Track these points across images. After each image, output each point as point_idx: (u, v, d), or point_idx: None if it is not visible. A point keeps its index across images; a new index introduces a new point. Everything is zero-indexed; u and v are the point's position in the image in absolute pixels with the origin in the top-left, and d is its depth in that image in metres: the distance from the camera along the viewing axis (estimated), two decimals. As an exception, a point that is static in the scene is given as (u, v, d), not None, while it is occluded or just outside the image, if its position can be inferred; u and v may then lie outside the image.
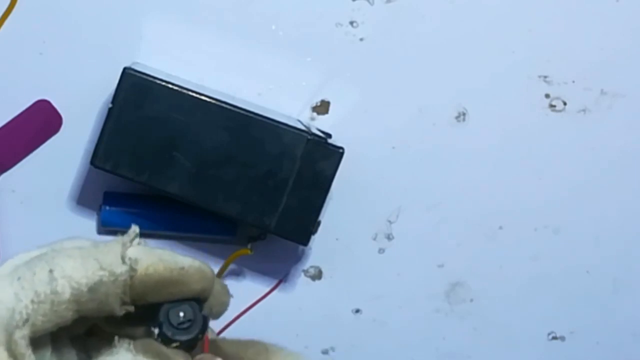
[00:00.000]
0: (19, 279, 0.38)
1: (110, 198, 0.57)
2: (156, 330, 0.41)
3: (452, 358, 0.63)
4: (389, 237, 0.61)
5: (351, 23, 0.58)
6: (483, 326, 0.62)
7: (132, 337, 0.41)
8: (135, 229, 0.42)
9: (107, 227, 0.57)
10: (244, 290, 0.60)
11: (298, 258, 0.60)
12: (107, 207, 0.57)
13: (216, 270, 0.59)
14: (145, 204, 0.57)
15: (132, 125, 0.53)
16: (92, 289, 0.39)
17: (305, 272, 0.61)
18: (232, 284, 0.60)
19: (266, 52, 0.58)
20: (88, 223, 0.58)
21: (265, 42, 0.58)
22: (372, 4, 0.58)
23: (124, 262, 0.40)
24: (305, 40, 0.58)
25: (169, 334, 0.41)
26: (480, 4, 0.59)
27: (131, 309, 0.41)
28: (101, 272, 0.39)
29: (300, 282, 0.61)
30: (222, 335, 0.60)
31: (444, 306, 0.62)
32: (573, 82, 0.60)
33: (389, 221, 0.60)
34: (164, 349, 0.40)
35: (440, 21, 0.59)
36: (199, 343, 0.42)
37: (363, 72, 0.59)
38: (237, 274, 0.60)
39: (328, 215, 0.59)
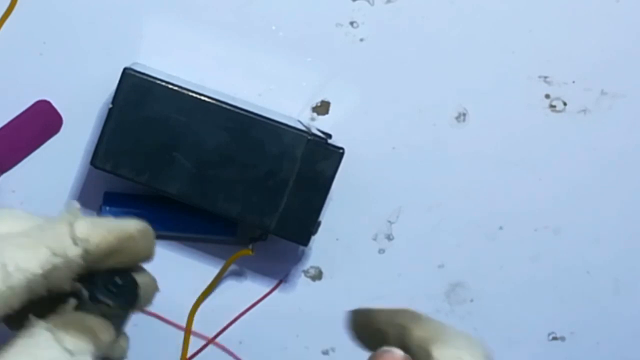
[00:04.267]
0: None
1: (111, 198, 0.57)
2: (86, 293, 0.40)
3: (452, 358, 0.63)
4: (389, 238, 0.61)
5: (351, 23, 0.58)
6: (483, 326, 0.62)
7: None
8: (76, 204, 0.41)
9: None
10: (244, 290, 0.60)
11: (298, 258, 0.60)
12: (107, 208, 0.57)
13: (217, 270, 0.59)
14: (145, 204, 0.57)
15: (132, 126, 0.53)
16: (46, 276, 0.38)
17: (306, 272, 0.61)
18: (232, 284, 0.60)
19: (266, 53, 0.58)
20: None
21: (265, 43, 0.58)
22: (372, 4, 0.58)
23: (75, 243, 0.39)
24: (305, 41, 0.58)
25: (100, 296, 0.40)
26: (481, 5, 0.59)
27: (78, 285, 0.40)
28: (55, 259, 0.38)
29: (301, 283, 0.61)
30: (222, 335, 0.60)
31: (444, 306, 0.62)
32: (573, 82, 0.60)
33: (389, 221, 0.60)
34: (87, 320, 0.39)
35: (440, 21, 0.59)
36: (126, 315, 0.41)
37: (363, 72, 0.59)
38: (237, 274, 0.60)
39: (328, 215, 0.59)
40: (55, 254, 0.38)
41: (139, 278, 0.42)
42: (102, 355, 0.39)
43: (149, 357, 0.59)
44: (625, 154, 0.61)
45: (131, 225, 0.41)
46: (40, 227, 0.40)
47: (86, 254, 0.39)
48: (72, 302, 0.40)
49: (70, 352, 0.37)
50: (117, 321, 0.41)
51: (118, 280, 0.41)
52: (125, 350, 0.42)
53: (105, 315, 0.40)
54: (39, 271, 0.38)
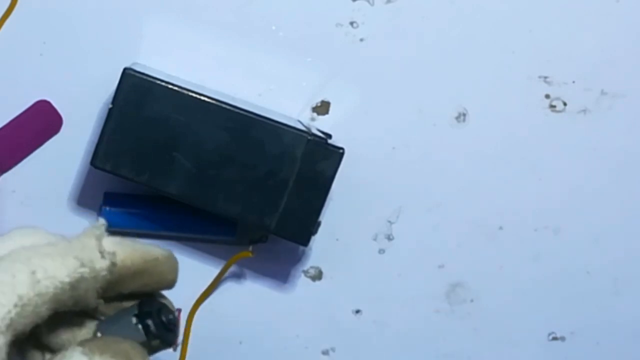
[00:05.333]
0: None
1: (111, 198, 0.57)
2: (140, 324, 0.40)
3: (452, 358, 0.63)
4: (389, 238, 0.61)
5: (351, 23, 0.58)
6: (483, 327, 0.62)
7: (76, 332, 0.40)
8: (102, 221, 0.42)
9: (108, 227, 0.57)
10: (244, 290, 0.60)
11: (298, 258, 0.60)
12: (107, 208, 0.57)
13: (217, 271, 0.59)
14: (145, 204, 0.57)
15: (132, 126, 0.53)
16: (74, 286, 0.38)
17: (306, 272, 0.61)
18: (232, 285, 0.60)
19: (266, 53, 0.58)
20: (88, 224, 0.58)
21: (266, 43, 0.58)
22: (372, 4, 0.58)
23: (103, 256, 0.39)
24: (305, 41, 0.58)
25: (154, 330, 0.40)
26: (481, 5, 0.59)
27: (102, 301, 0.40)
28: (82, 269, 0.38)
29: (301, 283, 0.61)
30: (222, 335, 0.60)
31: (444, 307, 0.62)
32: (573, 82, 0.60)
33: (389, 221, 0.60)
34: (122, 345, 0.39)
35: (440, 22, 0.59)
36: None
37: (363, 72, 0.59)
38: (237, 274, 0.60)
39: (328, 215, 0.59)
40: (82, 265, 0.38)
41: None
42: None
43: (149, 357, 0.59)
44: (625, 154, 0.61)
45: (156, 250, 0.42)
46: (68, 239, 0.40)
47: (113, 267, 0.40)
48: (92, 325, 0.41)
49: None
50: (151, 352, 0.41)
51: (171, 317, 0.41)
52: None
53: (142, 343, 0.40)
54: (67, 279, 0.38)
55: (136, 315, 0.41)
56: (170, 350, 0.44)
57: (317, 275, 0.61)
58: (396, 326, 0.62)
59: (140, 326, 0.40)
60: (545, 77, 0.60)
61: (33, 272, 0.37)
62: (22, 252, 0.38)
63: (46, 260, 0.38)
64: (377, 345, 0.62)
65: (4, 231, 0.57)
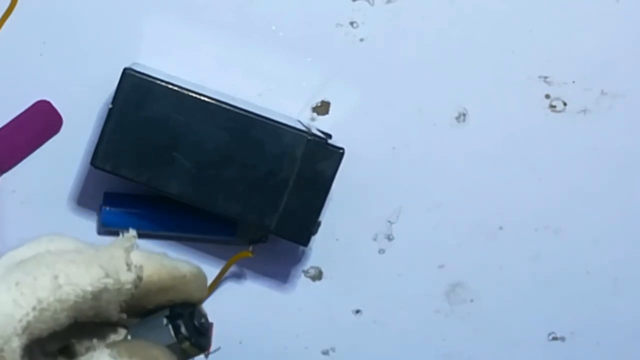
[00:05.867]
0: (17, 284, 0.36)
1: (111, 199, 0.57)
2: (170, 325, 0.40)
3: (452, 358, 0.63)
4: (389, 238, 0.61)
5: (351, 23, 0.58)
6: (483, 327, 0.62)
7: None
8: (133, 232, 0.41)
9: (108, 227, 0.57)
10: (244, 290, 0.60)
11: (298, 258, 0.60)
12: (107, 208, 0.57)
13: (216, 271, 0.59)
14: (145, 204, 0.57)
15: (132, 126, 0.53)
16: (96, 296, 0.37)
17: (306, 272, 0.61)
18: (232, 285, 0.60)
19: (266, 53, 0.58)
20: (88, 224, 0.58)
21: (265, 43, 0.58)
22: (372, 4, 0.58)
23: (129, 269, 0.39)
24: (305, 41, 0.58)
25: (185, 332, 0.40)
26: (481, 5, 0.59)
27: (124, 316, 0.40)
28: (106, 280, 0.38)
29: (301, 283, 0.61)
30: (222, 335, 0.60)
31: (444, 307, 0.62)
32: (573, 82, 0.60)
33: (389, 221, 0.60)
34: (153, 350, 0.38)
35: (440, 22, 0.59)
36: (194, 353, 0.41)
37: (363, 72, 0.59)
38: (237, 275, 0.60)
39: (328, 215, 0.59)
40: (107, 275, 0.38)
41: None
42: None
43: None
44: (625, 154, 0.61)
45: (185, 266, 0.41)
46: (95, 247, 0.39)
47: (138, 281, 0.39)
48: (122, 331, 0.40)
49: None
50: (182, 358, 0.40)
51: (204, 320, 0.41)
52: None
53: (172, 348, 0.39)
54: (89, 288, 0.37)
55: (167, 317, 0.40)
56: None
57: (317, 275, 0.61)
58: (396, 326, 0.62)
59: (170, 327, 0.40)
60: (545, 77, 0.60)
61: (55, 277, 0.36)
62: (47, 256, 0.38)
63: (70, 267, 0.37)
64: (377, 345, 0.62)
65: (4, 231, 0.57)
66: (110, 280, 0.38)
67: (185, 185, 0.53)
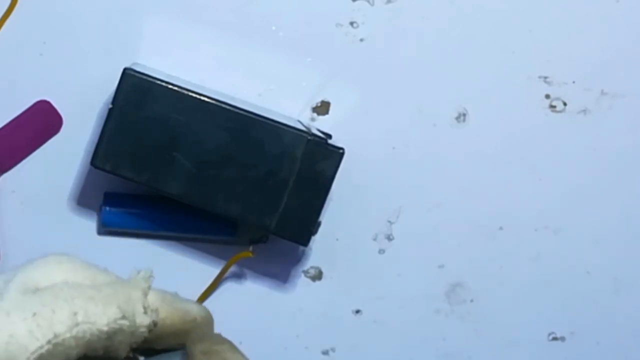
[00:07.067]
0: (34, 315, 0.36)
1: (111, 199, 0.57)
2: None
3: (452, 358, 0.63)
4: (389, 238, 0.61)
5: (351, 24, 0.58)
6: (483, 327, 0.62)
7: None
8: (150, 272, 0.41)
9: (108, 227, 0.57)
10: (244, 290, 0.60)
11: (298, 258, 0.60)
12: (107, 208, 0.57)
13: (217, 271, 0.59)
14: (145, 204, 0.57)
15: (132, 126, 0.53)
16: (110, 336, 0.38)
17: (306, 272, 0.61)
18: (232, 285, 0.60)
19: (266, 53, 0.58)
20: (88, 224, 0.58)
21: (265, 43, 0.58)
22: (372, 4, 0.58)
23: (145, 312, 0.39)
24: (305, 41, 0.58)
25: None
26: (481, 5, 0.59)
27: (131, 354, 0.40)
28: (122, 321, 0.38)
29: (301, 283, 0.61)
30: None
31: (444, 307, 0.62)
32: (573, 82, 0.60)
33: (389, 221, 0.60)
34: None
35: (440, 22, 0.59)
36: None
37: (363, 72, 0.59)
38: (237, 275, 0.60)
39: (328, 215, 0.59)
40: (124, 317, 0.38)
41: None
42: None
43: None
44: (625, 154, 0.61)
45: (195, 309, 0.42)
46: (112, 286, 0.39)
47: (153, 325, 0.39)
48: None
49: None
50: None
51: None
52: None
53: None
54: (105, 328, 0.37)
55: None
56: None
57: (317, 275, 0.61)
58: (396, 326, 0.62)
59: None
60: (545, 77, 0.60)
61: (75, 313, 0.36)
62: (66, 290, 0.38)
63: (89, 304, 0.37)
64: (377, 345, 0.62)
65: (4, 231, 0.57)
66: (126, 322, 0.38)
67: (185, 185, 0.53)
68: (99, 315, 0.37)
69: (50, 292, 0.37)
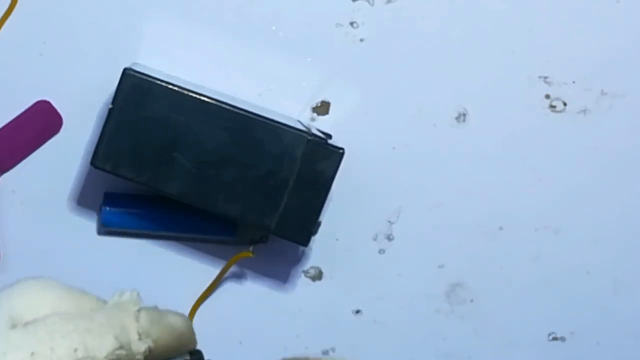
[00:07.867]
0: (32, 354, 0.35)
1: (111, 199, 0.57)
2: None
3: (452, 358, 0.63)
4: (389, 238, 0.61)
5: (351, 24, 0.58)
6: (483, 327, 0.62)
7: None
8: (136, 292, 0.42)
9: (108, 227, 0.57)
10: (244, 290, 0.60)
11: (298, 258, 0.60)
12: (107, 208, 0.57)
13: (217, 271, 0.59)
14: (145, 204, 0.57)
15: (132, 126, 0.53)
16: None
17: (306, 272, 0.61)
18: (232, 285, 0.60)
19: (266, 53, 0.58)
20: (88, 224, 0.58)
21: (265, 43, 0.58)
22: (372, 4, 0.58)
23: (140, 338, 0.39)
24: (305, 41, 0.58)
25: None
26: (480, 5, 0.59)
27: None
28: (120, 352, 0.38)
29: (301, 283, 0.61)
30: (222, 336, 0.60)
31: (444, 307, 0.62)
32: (573, 82, 0.60)
33: (389, 222, 0.60)
34: None
35: (440, 21, 0.59)
36: None
37: (363, 72, 0.59)
38: (237, 275, 0.60)
39: (328, 215, 0.59)
40: (121, 347, 0.38)
41: None
42: None
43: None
44: (625, 154, 0.61)
45: (178, 321, 0.42)
46: (104, 313, 0.39)
47: (148, 351, 0.40)
48: None
49: None
50: None
51: None
52: None
53: None
54: None
55: None
56: None
57: (317, 275, 0.61)
58: (396, 326, 0.62)
59: None
60: (545, 77, 0.60)
61: (75, 350, 0.36)
62: (59, 323, 0.37)
63: (87, 338, 0.37)
64: (377, 345, 0.62)
65: (4, 231, 0.57)
66: (123, 352, 0.38)
67: (185, 185, 0.53)
68: (97, 348, 0.37)
69: (44, 327, 0.36)
